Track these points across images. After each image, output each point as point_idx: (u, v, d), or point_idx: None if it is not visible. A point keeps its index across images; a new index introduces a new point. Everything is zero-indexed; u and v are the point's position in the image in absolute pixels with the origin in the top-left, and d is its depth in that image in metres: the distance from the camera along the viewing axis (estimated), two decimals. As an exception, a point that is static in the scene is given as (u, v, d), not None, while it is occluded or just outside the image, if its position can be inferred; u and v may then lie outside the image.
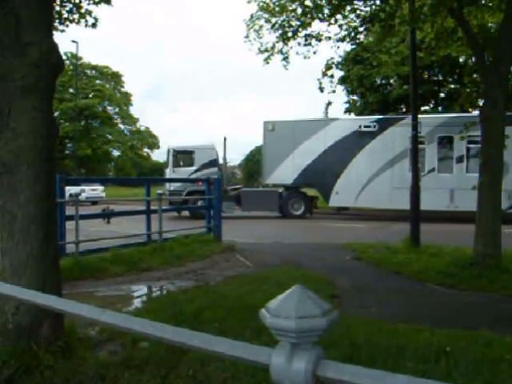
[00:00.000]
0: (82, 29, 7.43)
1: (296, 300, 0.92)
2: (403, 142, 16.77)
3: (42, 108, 3.41)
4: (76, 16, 7.21)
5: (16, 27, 3.31)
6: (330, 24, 8.73)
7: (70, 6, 7.07)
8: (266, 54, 9.37)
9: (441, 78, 27.47)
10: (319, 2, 8.39)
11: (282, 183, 18.46)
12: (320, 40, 9.10)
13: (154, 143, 51.70)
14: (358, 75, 26.55)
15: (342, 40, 9.23)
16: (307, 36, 8.95)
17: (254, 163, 37.13)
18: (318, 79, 9.82)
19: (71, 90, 41.90)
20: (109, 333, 3.81)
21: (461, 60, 21.29)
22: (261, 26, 9.25)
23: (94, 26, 7.52)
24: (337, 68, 10.30)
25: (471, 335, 3.91)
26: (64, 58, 4.18)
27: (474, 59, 9.19)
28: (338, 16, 8.70)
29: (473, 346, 3.57)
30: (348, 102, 30.41)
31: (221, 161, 19.55)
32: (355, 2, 8.73)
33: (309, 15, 8.46)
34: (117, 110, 49.26)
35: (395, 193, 16.70)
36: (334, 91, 10.71)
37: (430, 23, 8.47)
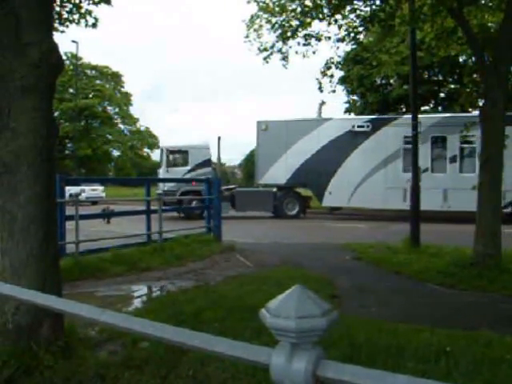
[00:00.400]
0: (82, 29, 7.44)
1: (296, 300, 0.92)
2: (396, 142, 16.82)
3: (42, 108, 3.41)
4: (76, 16, 7.21)
5: (16, 27, 3.31)
6: (329, 24, 8.73)
7: (70, 6, 7.07)
8: (266, 53, 9.38)
9: (441, 78, 27.48)
10: (319, 2, 8.39)
11: (275, 183, 18.38)
12: (320, 40, 9.10)
13: (153, 143, 51.67)
14: (358, 75, 26.55)
15: (342, 40, 9.23)
16: (307, 36, 8.95)
17: (253, 163, 37.12)
18: (317, 78, 9.82)
19: (71, 90, 41.91)
20: (109, 333, 3.81)
21: (461, 60, 21.30)
22: (260, 26, 9.25)
23: (94, 26, 7.52)
24: (336, 68, 10.28)
25: (471, 335, 3.91)
26: (64, 58, 4.18)
27: (473, 59, 9.20)
28: (338, 16, 8.70)
29: (473, 346, 3.57)
30: (348, 101, 30.43)
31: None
32: (355, 2, 8.73)
33: (308, 15, 8.46)
34: (117, 110, 49.28)
35: (388, 193, 16.73)
36: (333, 91, 10.71)
37: (429, 23, 8.46)
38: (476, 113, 13.14)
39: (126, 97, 50.79)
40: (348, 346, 3.45)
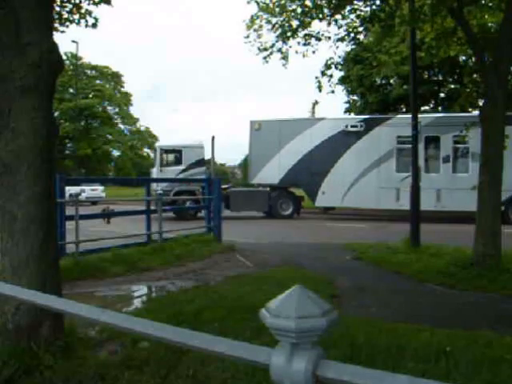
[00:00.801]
0: (82, 29, 7.43)
1: (296, 300, 0.92)
2: (390, 142, 16.81)
3: (42, 108, 3.41)
4: (76, 16, 7.21)
5: (16, 27, 3.31)
6: (329, 24, 8.73)
7: (70, 6, 7.06)
8: (266, 53, 9.37)
9: (441, 77, 27.46)
10: (319, 3, 8.39)
11: (268, 183, 18.25)
12: (320, 40, 9.10)
13: (154, 143, 51.59)
14: (358, 75, 26.53)
15: (342, 40, 9.23)
16: (307, 35, 8.95)
17: (252, 163, 37.08)
18: (316, 77, 9.81)
19: (71, 90, 41.92)
20: (109, 333, 3.81)
21: (461, 60, 21.29)
22: (260, 26, 9.25)
23: (94, 26, 7.51)
24: (336, 68, 10.28)
25: (471, 335, 3.91)
26: (64, 58, 4.18)
27: (474, 59, 9.20)
28: (338, 16, 8.70)
29: (473, 346, 3.57)
30: (348, 101, 30.41)
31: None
32: (355, 2, 8.73)
33: (308, 15, 8.46)
34: (117, 110, 49.26)
35: (382, 193, 16.71)
36: (332, 91, 10.70)
37: (429, 23, 8.46)
38: (471, 113, 13.21)
39: (126, 97, 50.77)
40: (348, 346, 3.45)
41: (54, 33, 3.77)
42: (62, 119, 41.74)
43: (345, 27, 9.00)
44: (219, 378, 3.05)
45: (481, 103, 7.99)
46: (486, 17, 8.63)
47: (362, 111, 27.54)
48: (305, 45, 9.11)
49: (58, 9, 6.85)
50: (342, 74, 27.49)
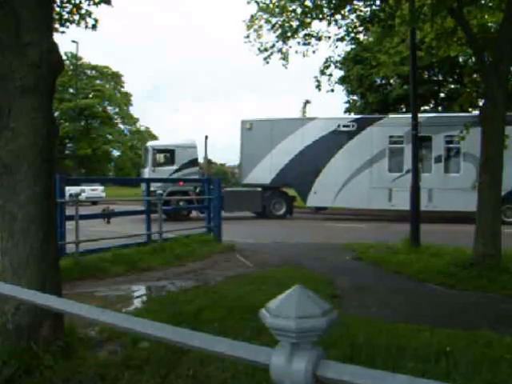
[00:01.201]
0: (82, 29, 7.41)
1: (296, 300, 0.92)
2: (382, 142, 16.79)
3: (42, 108, 3.41)
4: (76, 17, 7.20)
5: (16, 27, 3.31)
6: (329, 24, 8.73)
7: (70, 6, 7.06)
8: (266, 54, 9.38)
9: (441, 77, 27.46)
10: (319, 2, 8.40)
11: (259, 183, 18.13)
12: (320, 39, 9.10)
13: (153, 143, 51.56)
14: (358, 75, 26.54)
15: (342, 40, 9.24)
16: (307, 35, 8.96)
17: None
18: (315, 77, 9.81)
19: (71, 90, 41.91)
20: (109, 333, 3.81)
21: (461, 60, 21.29)
22: (260, 26, 9.25)
23: (94, 27, 7.49)
24: (336, 67, 10.29)
25: (471, 335, 3.91)
26: (64, 58, 4.18)
27: (473, 59, 9.20)
28: (338, 16, 8.70)
29: (473, 346, 3.57)
30: (348, 101, 30.42)
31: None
32: (355, 2, 8.74)
33: (309, 15, 8.46)
34: (117, 110, 49.27)
35: (374, 193, 16.68)
36: (332, 90, 10.71)
37: (429, 23, 8.46)
38: (463, 113, 13.18)
39: (126, 97, 50.78)
40: (348, 346, 3.45)
41: (54, 33, 3.77)
42: (62, 119, 41.75)
43: (345, 27, 9.01)
44: (219, 378, 3.05)
45: (481, 103, 7.99)
46: (486, 17, 8.63)
47: (362, 111, 27.55)
48: (305, 45, 9.12)
49: (57, 9, 6.85)
50: (341, 73, 27.52)
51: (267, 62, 9.49)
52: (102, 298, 5.79)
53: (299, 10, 8.59)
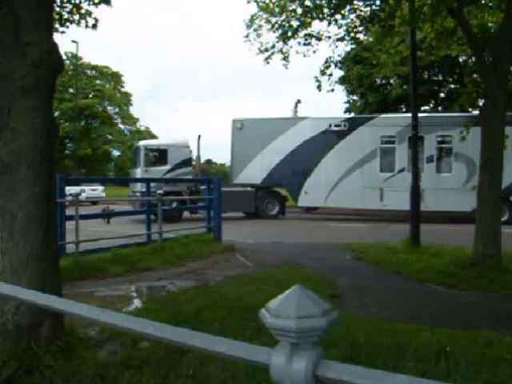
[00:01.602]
0: (82, 29, 7.42)
1: (296, 300, 0.92)
2: (373, 142, 16.79)
3: (42, 108, 3.41)
4: (76, 17, 7.21)
5: (16, 27, 3.31)
6: (329, 24, 8.73)
7: (70, 6, 7.06)
8: (267, 54, 9.38)
9: (441, 78, 27.47)
10: (319, 2, 8.39)
11: (250, 183, 18.05)
12: (320, 39, 9.10)
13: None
14: (358, 75, 26.54)
15: (342, 40, 9.24)
16: (307, 35, 8.95)
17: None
18: (316, 77, 9.82)
19: (71, 90, 41.88)
20: (109, 333, 3.81)
21: (461, 60, 21.29)
22: (260, 26, 9.25)
23: (94, 27, 7.49)
24: (336, 67, 10.30)
25: (471, 335, 3.91)
26: (64, 58, 4.18)
27: (474, 59, 9.20)
28: (338, 16, 8.70)
29: (473, 346, 3.57)
30: (348, 101, 30.43)
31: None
32: (355, 2, 8.74)
33: (309, 15, 8.46)
34: (117, 110, 49.22)
35: (365, 193, 16.66)
36: (332, 90, 10.71)
37: (429, 23, 8.47)
38: (457, 114, 13.20)
39: (126, 97, 50.73)
40: (348, 346, 3.45)
41: (54, 33, 3.77)
42: (62, 119, 41.73)
43: (345, 27, 9.01)
44: (219, 378, 3.05)
45: (481, 103, 7.99)
46: (486, 17, 8.63)
47: (362, 111, 27.57)
48: (305, 45, 9.12)
49: (57, 9, 6.85)
50: (341, 73, 27.52)
51: (268, 63, 9.49)
52: (102, 297, 5.79)
53: (299, 10, 8.59)
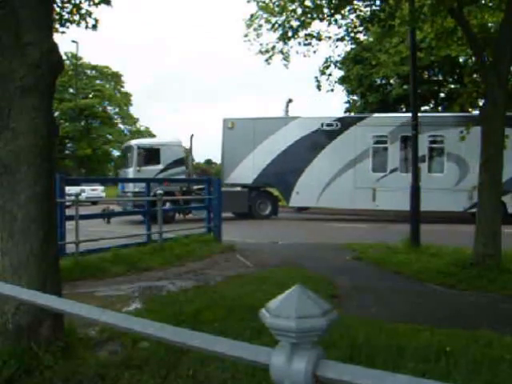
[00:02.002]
0: (82, 29, 7.41)
1: (296, 300, 0.92)
2: (366, 142, 16.72)
3: (42, 108, 3.41)
4: (76, 17, 7.20)
5: (16, 27, 3.31)
6: (329, 24, 8.73)
7: (70, 7, 7.06)
8: (267, 55, 9.38)
9: (441, 77, 27.47)
10: (319, 2, 8.39)
11: (241, 183, 17.93)
12: (320, 40, 9.10)
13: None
14: (358, 75, 26.55)
15: (342, 40, 9.23)
16: (307, 36, 8.95)
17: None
18: (316, 77, 9.81)
19: (71, 90, 41.88)
20: (109, 333, 3.81)
21: (461, 60, 21.30)
22: (260, 26, 9.24)
23: (94, 27, 7.49)
24: (335, 67, 10.29)
25: (471, 335, 3.91)
26: (64, 58, 4.18)
27: (474, 59, 9.20)
28: (338, 16, 8.70)
29: (473, 346, 3.57)
30: (348, 101, 30.44)
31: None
32: (355, 2, 8.73)
33: (309, 15, 8.45)
34: (117, 110, 49.21)
35: (358, 193, 16.60)
36: (332, 90, 10.71)
37: (429, 23, 8.46)
38: (451, 114, 13.19)
39: (126, 97, 50.71)
40: (348, 346, 3.45)
41: (54, 33, 3.77)
42: (62, 119, 41.71)
43: (345, 27, 9.00)
44: (219, 377, 3.05)
45: (481, 103, 7.99)
46: (486, 17, 8.63)
47: (362, 111, 27.56)
48: (305, 45, 9.11)
49: (57, 9, 6.85)
50: (341, 73, 27.52)
51: (268, 63, 9.49)
52: (102, 297, 5.78)
53: (299, 10, 8.59)
